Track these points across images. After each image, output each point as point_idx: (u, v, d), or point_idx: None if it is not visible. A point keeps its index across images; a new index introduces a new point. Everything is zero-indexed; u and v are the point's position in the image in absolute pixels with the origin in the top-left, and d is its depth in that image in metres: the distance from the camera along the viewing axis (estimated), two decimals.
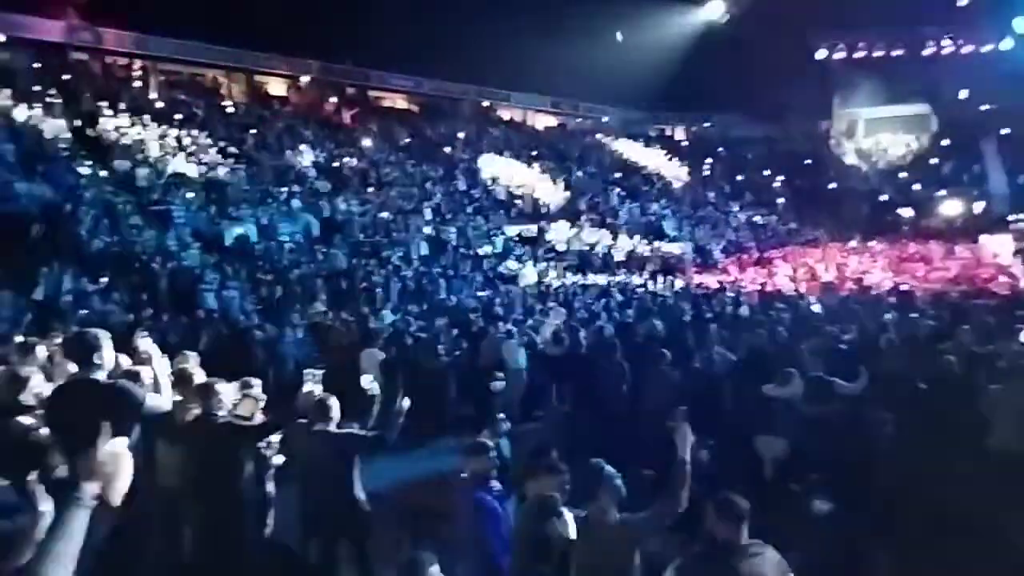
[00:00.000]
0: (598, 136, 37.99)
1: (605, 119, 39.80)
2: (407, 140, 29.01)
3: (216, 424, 4.34)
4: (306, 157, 23.56)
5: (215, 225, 17.55)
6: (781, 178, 36.15)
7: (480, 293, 17.55)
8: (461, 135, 31.03)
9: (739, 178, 36.65)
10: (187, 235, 16.54)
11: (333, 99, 29.77)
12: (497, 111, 36.71)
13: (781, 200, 34.49)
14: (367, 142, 27.06)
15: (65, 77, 22.40)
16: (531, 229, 24.08)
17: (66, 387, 3.81)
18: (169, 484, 4.48)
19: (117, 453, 2.08)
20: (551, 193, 27.97)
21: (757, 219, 32.02)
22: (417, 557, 2.78)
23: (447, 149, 29.07)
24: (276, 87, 29.94)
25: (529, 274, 20.03)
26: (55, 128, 18.78)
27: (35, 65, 22.28)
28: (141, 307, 12.10)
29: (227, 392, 4.58)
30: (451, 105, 34.51)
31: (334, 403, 4.74)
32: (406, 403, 4.65)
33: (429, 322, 12.66)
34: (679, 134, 42.39)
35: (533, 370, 10.01)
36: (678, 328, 10.67)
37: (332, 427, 4.70)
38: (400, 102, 34.10)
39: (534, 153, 31.93)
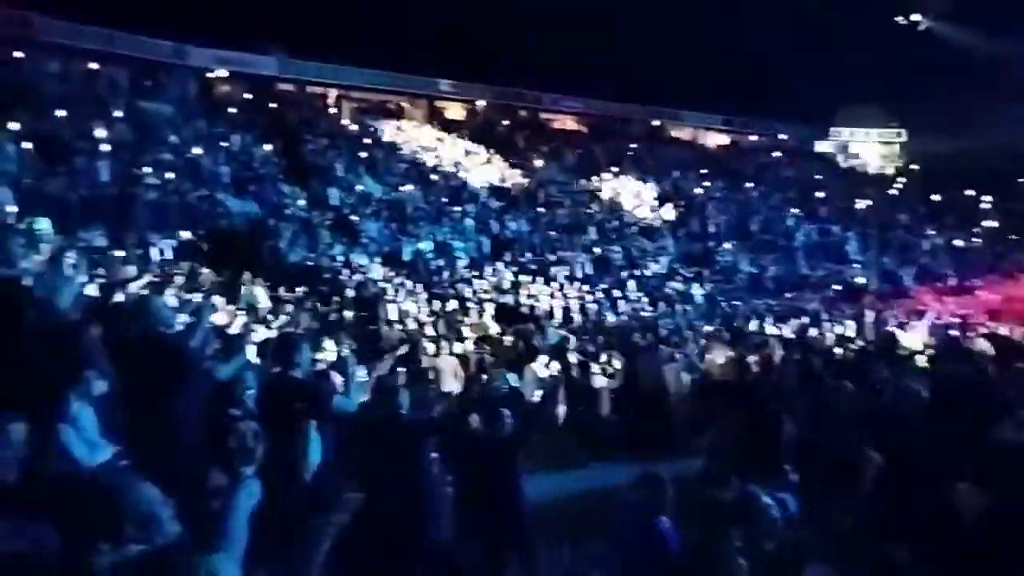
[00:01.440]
0: (774, 154, 36.28)
1: (782, 136, 37.89)
2: (575, 160, 29.42)
3: (395, 422, 4.61)
4: (479, 177, 24.61)
5: (396, 241, 18.78)
6: (988, 198, 32.34)
7: (644, 313, 17.32)
8: (629, 154, 30.97)
9: (935, 198, 33.32)
10: (371, 250, 17.83)
11: (506, 122, 30.90)
12: (668, 130, 36.24)
13: (989, 223, 30.83)
14: (537, 163, 27.75)
15: (272, 106, 25.10)
16: (698, 248, 23.46)
17: (271, 382, 4.26)
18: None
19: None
20: (718, 212, 27.09)
21: (958, 243, 28.89)
22: (583, 570, 2.78)
23: (614, 168, 29.11)
24: (454, 112, 31.56)
25: (695, 295, 19.49)
26: (263, 151, 21.11)
27: (247, 96, 25.22)
28: (330, 315, 13.17)
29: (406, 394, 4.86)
30: (620, 125, 34.51)
31: (504, 412, 4.90)
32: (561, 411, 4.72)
33: (591, 341, 12.70)
34: (862, 150, 39.44)
35: (696, 395, 9.72)
36: (862, 356, 9.89)
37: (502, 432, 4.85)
38: (570, 123, 34.65)
39: (704, 171, 31.14)
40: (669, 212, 26.47)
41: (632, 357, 11.45)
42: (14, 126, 15.95)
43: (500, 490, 4.75)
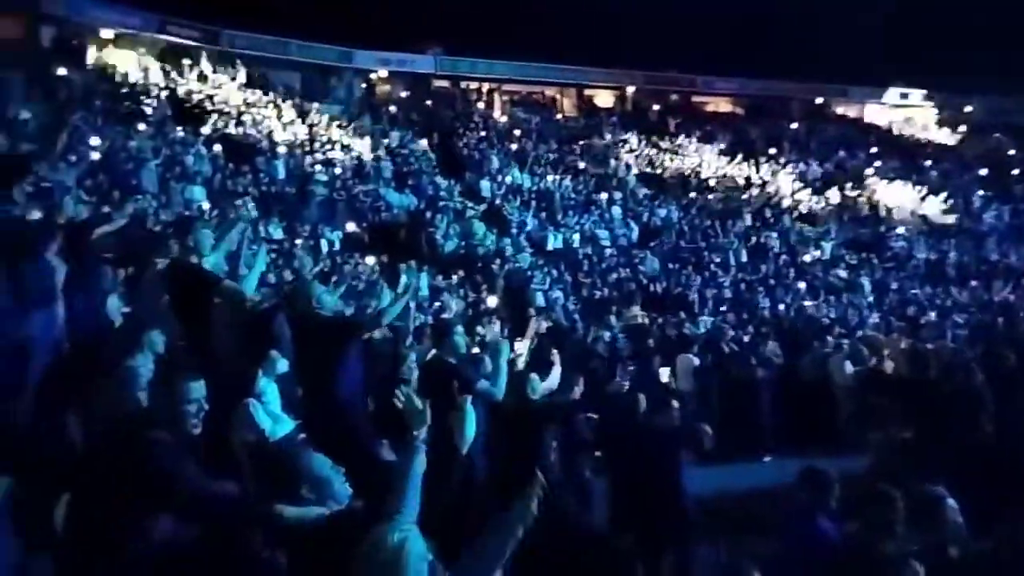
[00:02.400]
0: (960, 128, 32.81)
1: (968, 109, 34.07)
2: (729, 144, 28.26)
3: (533, 407, 4.69)
4: (628, 165, 24.30)
5: (544, 230, 19.02)
6: None
7: (805, 303, 16.38)
8: (788, 135, 29.30)
9: None
10: (521, 239, 18.17)
11: (657, 107, 30.25)
12: (832, 107, 33.84)
13: None
14: (690, 147, 26.95)
15: (428, 103, 26.19)
16: (867, 234, 21.78)
17: (428, 364, 4.51)
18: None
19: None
20: (892, 194, 24.98)
21: None
22: (741, 565, 2.70)
23: (771, 151, 27.64)
24: (603, 99, 31.33)
25: (863, 283, 18.15)
26: (419, 146, 22.12)
27: (405, 94, 26.48)
28: (481, 303, 13.59)
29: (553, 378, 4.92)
30: (779, 105, 32.68)
31: (672, 403, 4.83)
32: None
33: (746, 331, 12.21)
34: None
35: (865, 389, 9.05)
36: None
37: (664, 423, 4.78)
38: (723, 105, 33.30)
39: (874, 150, 28.82)
40: (834, 195, 24.76)
41: (793, 348, 10.90)
42: (205, 130, 17.78)
43: (659, 482, 4.68)
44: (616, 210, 20.97)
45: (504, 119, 26.35)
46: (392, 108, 24.92)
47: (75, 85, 17.44)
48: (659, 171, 24.55)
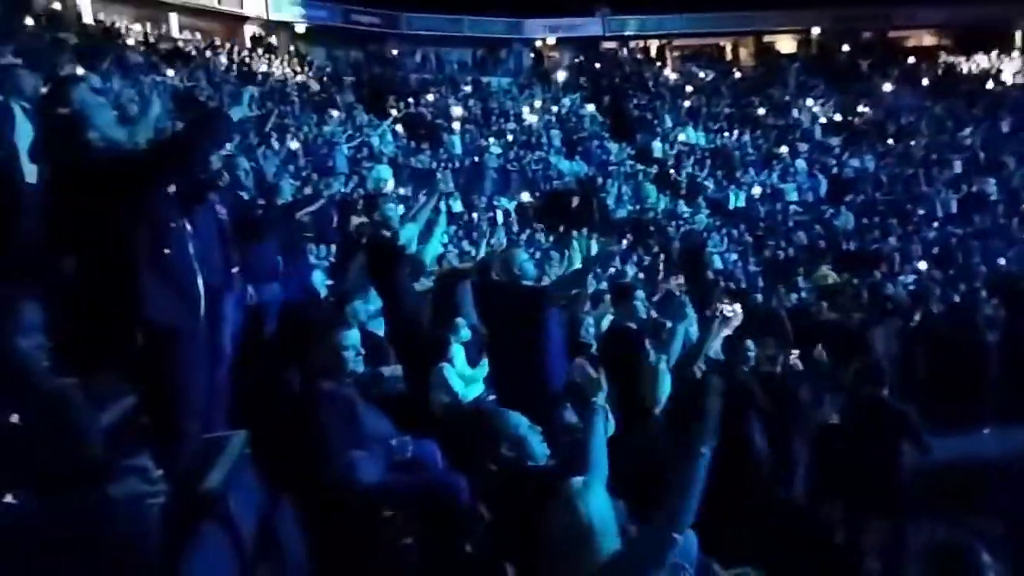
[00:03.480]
0: None
1: None
2: (935, 82, 25.23)
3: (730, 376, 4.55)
4: (814, 113, 22.56)
5: (722, 190, 18.24)
6: None
7: None
8: (1008, 67, 25.57)
9: None
10: (697, 200, 17.58)
11: (846, 48, 27.63)
12: None
13: None
14: (885, 88, 24.42)
15: (596, 65, 25.85)
16: None
17: (610, 330, 4.54)
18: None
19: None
20: None
21: None
22: (968, 543, 2.46)
23: (989, 86, 24.32)
24: (785, 44, 29.19)
25: None
26: (589, 111, 21.97)
27: (574, 59, 26.31)
28: (656, 268, 13.37)
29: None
30: (996, 33, 28.54)
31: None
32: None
33: (957, 290, 10.99)
34: None
35: None
36: None
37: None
38: (927, 39, 29.72)
39: None
40: None
41: (1016, 308, 9.66)
42: (391, 111, 18.86)
43: (869, 452, 4.37)
44: (801, 163, 19.59)
45: (675, 76, 25.39)
46: (560, 75, 24.91)
47: (273, 78, 19.17)
48: (850, 118, 22.53)
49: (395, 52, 23.62)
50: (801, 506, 4.74)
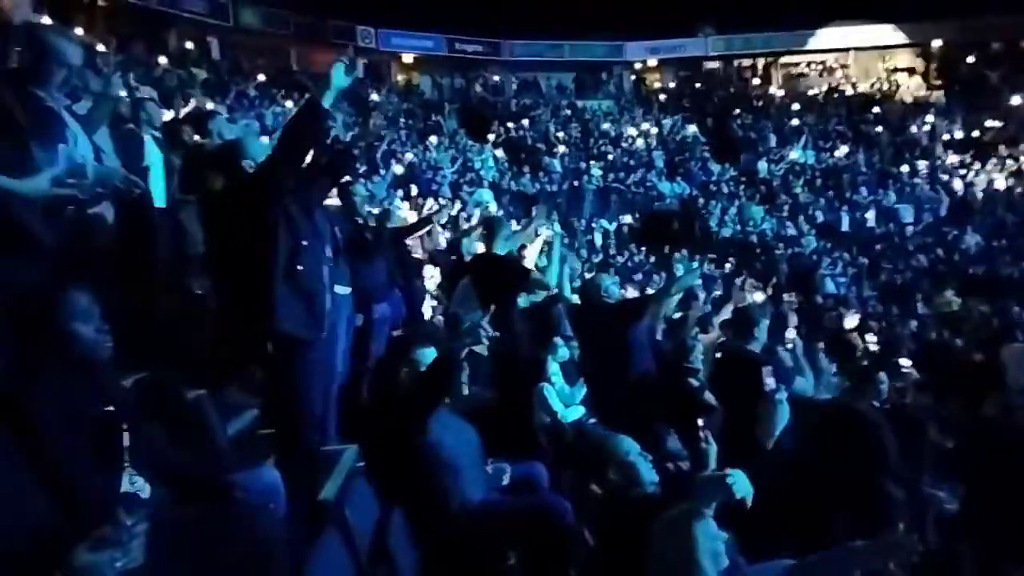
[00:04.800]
0: None
1: None
2: None
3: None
4: (934, 129, 21.29)
5: (832, 211, 17.49)
6: None
7: None
8: None
9: None
10: (804, 222, 16.92)
11: (971, 59, 25.94)
12: None
13: None
14: (1015, 101, 22.74)
15: (698, 86, 25.46)
16: None
17: (724, 356, 4.42)
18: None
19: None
20: None
21: None
22: None
23: None
24: (902, 59, 27.74)
25: None
26: (690, 132, 21.64)
27: (675, 80, 26.04)
28: (765, 290, 12.91)
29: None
30: None
31: None
32: None
33: None
34: None
35: None
36: None
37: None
38: None
39: None
40: None
41: None
42: (491, 136, 19.27)
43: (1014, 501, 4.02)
44: (919, 182, 18.50)
45: (782, 94, 24.63)
46: (662, 96, 24.71)
47: (383, 107, 19.99)
48: (976, 134, 21.10)
49: (496, 78, 24.17)
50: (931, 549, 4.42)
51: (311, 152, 3.00)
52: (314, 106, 2.80)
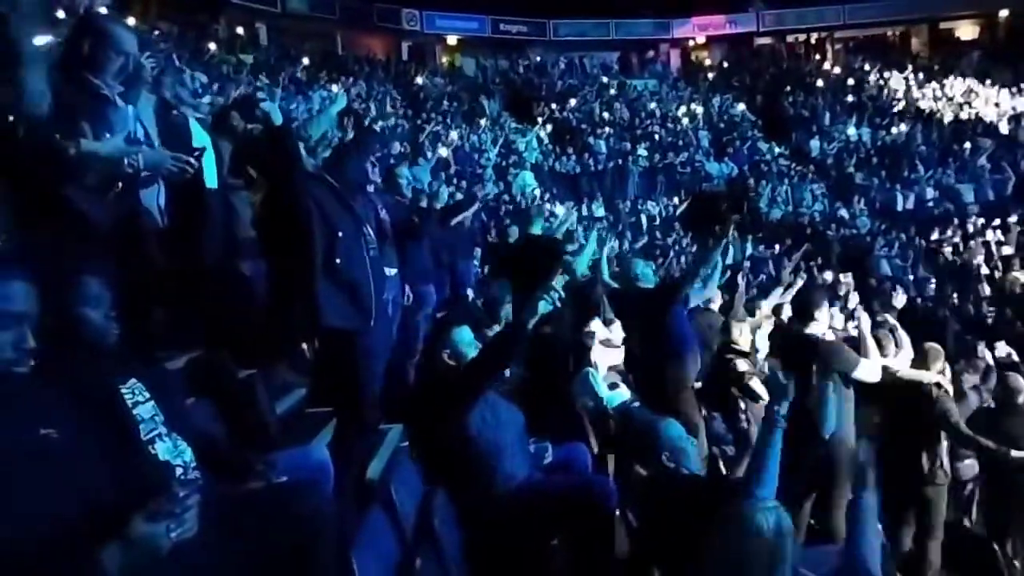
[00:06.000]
0: None
1: None
2: None
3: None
4: (999, 106, 20.35)
5: (888, 190, 16.92)
6: None
7: None
8: None
9: None
10: (859, 202, 16.43)
11: None
12: None
13: None
14: None
15: (750, 63, 24.81)
16: None
17: (785, 337, 4.32)
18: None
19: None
20: None
21: None
22: None
23: None
24: (966, 31, 26.57)
25: None
26: (740, 111, 21.13)
27: (725, 58, 25.43)
28: (813, 274, 12.59)
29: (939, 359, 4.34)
30: None
31: None
32: None
33: None
34: None
35: None
36: None
37: None
38: None
39: None
40: None
41: None
42: (538, 118, 19.14)
43: None
44: (982, 160, 17.72)
45: (837, 70, 23.84)
46: (710, 74, 24.17)
47: (429, 89, 20.02)
48: None
49: (540, 59, 23.96)
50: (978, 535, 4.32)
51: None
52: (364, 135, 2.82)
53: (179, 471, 1.85)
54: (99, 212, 2.50)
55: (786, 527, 1.97)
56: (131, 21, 8.62)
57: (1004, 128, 19.40)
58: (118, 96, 2.82)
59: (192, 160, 2.85)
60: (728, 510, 2.01)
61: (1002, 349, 6.75)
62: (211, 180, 3.64)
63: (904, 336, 4.20)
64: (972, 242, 14.40)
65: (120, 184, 2.58)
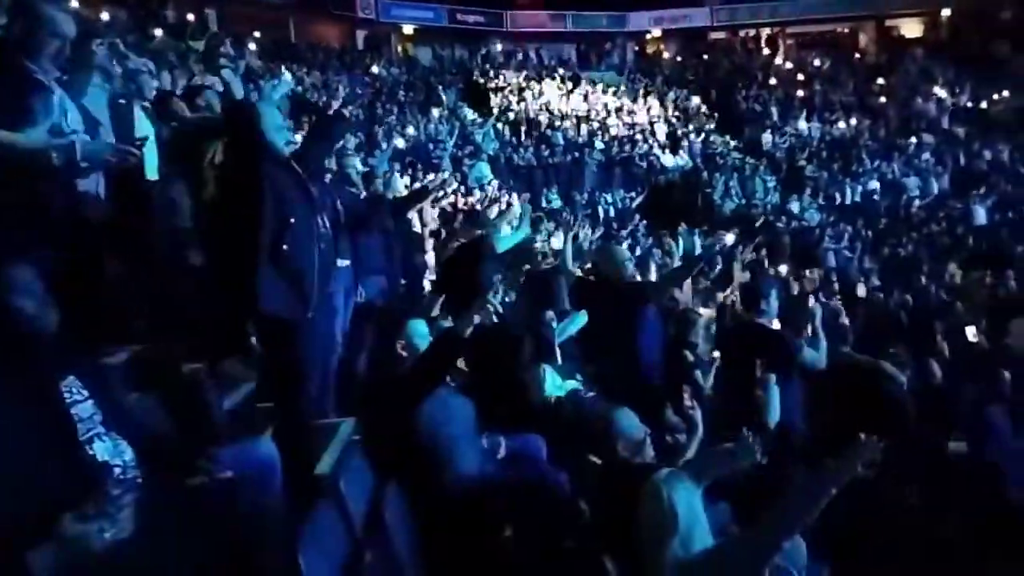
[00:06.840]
0: None
1: None
2: None
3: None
4: (941, 102, 21.05)
5: (836, 183, 17.37)
6: None
7: None
8: None
9: None
10: (807, 195, 16.82)
11: (980, 29, 25.51)
12: None
13: None
14: None
15: (704, 57, 25.13)
16: None
17: (733, 328, 4.39)
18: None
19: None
20: None
21: None
22: None
23: None
24: (910, 28, 27.33)
25: None
26: (694, 104, 21.40)
27: (679, 51, 25.72)
28: (762, 264, 12.84)
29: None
30: None
31: None
32: None
33: None
34: None
35: None
36: None
37: None
38: None
39: None
40: None
41: None
42: (495, 109, 19.03)
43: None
44: (926, 155, 18.32)
45: (789, 65, 24.32)
46: (665, 68, 24.41)
47: (384, 80, 19.76)
48: (984, 106, 20.85)
49: (498, 49, 23.87)
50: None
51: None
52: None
53: (117, 471, 1.79)
54: (29, 201, 2.41)
55: (682, 504, 2.06)
56: (74, 4, 8.29)
57: (946, 123, 20.09)
58: (54, 82, 2.71)
59: (134, 149, 2.76)
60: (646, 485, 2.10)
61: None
62: (152, 169, 3.54)
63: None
64: (915, 234, 14.90)
65: (53, 173, 2.48)
